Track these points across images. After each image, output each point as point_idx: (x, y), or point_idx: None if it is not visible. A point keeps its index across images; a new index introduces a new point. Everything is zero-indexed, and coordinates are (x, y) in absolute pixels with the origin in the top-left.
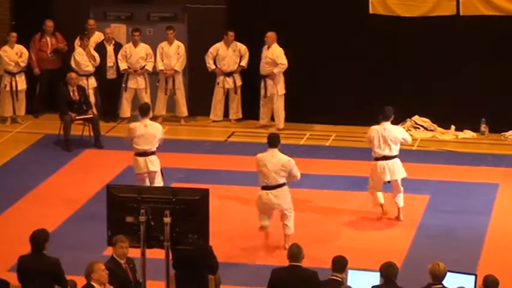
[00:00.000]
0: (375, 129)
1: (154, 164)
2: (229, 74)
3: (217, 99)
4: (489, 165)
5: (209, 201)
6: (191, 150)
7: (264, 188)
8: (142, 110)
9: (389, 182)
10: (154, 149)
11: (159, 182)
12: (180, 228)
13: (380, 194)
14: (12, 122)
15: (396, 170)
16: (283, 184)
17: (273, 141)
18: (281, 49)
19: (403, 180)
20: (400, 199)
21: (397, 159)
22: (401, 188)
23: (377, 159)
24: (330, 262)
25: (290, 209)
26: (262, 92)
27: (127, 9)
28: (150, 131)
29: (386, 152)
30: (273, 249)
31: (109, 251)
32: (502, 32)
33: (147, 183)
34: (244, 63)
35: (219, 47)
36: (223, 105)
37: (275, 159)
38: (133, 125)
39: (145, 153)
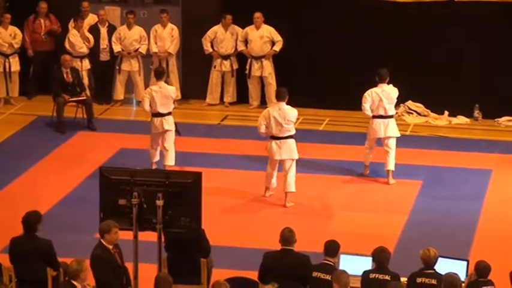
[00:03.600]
0: (374, 92)
1: (169, 123)
2: (226, 57)
3: (214, 82)
4: (482, 151)
5: (202, 184)
6: (184, 134)
7: (272, 137)
8: (157, 73)
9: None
10: (170, 109)
11: (170, 142)
12: (173, 211)
13: (369, 156)
14: (5, 103)
15: (390, 129)
16: (290, 136)
17: (280, 95)
18: (271, 27)
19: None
20: (391, 159)
21: (393, 119)
22: (393, 148)
23: (374, 117)
24: (322, 246)
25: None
26: (258, 73)
27: None
28: (164, 93)
29: (383, 112)
30: (266, 233)
31: None
32: (496, 18)
33: (157, 147)
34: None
35: (217, 30)
36: (220, 88)
37: (281, 112)
38: (149, 88)
39: (160, 114)
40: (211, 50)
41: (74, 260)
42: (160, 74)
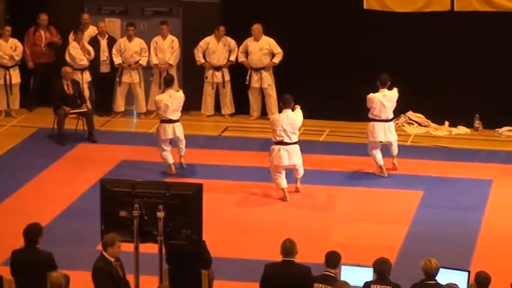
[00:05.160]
0: (376, 97)
1: (180, 130)
2: (218, 69)
3: (207, 93)
4: (483, 162)
5: (203, 196)
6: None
7: (277, 143)
8: (167, 81)
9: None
10: (179, 116)
11: (183, 147)
12: (174, 223)
13: (379, 156)
14: (6, 115)
15: (391, 132)
16: (296, 142)
17: (286, 102)
18: (271, 39)
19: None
20: (395, 149)
21: (392, 123)
22: (395, 144)
23: (375, 120)
24: (323, 257)
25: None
26: (257, 84)
27: (121, 4)
28: (175, 101)
29: (385, 117)
30: (267, 244)
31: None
32: (496, 28)
33: (169, 148)
34: (233, 58)
35: (209, 41)
36: (213, 99)
37: (289, 119)
38: (158, 96)
39: (171, 121)
40: (203, 60)
41: (58, 272)
42: (170, 82)
